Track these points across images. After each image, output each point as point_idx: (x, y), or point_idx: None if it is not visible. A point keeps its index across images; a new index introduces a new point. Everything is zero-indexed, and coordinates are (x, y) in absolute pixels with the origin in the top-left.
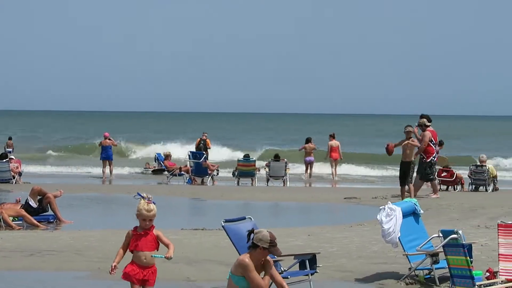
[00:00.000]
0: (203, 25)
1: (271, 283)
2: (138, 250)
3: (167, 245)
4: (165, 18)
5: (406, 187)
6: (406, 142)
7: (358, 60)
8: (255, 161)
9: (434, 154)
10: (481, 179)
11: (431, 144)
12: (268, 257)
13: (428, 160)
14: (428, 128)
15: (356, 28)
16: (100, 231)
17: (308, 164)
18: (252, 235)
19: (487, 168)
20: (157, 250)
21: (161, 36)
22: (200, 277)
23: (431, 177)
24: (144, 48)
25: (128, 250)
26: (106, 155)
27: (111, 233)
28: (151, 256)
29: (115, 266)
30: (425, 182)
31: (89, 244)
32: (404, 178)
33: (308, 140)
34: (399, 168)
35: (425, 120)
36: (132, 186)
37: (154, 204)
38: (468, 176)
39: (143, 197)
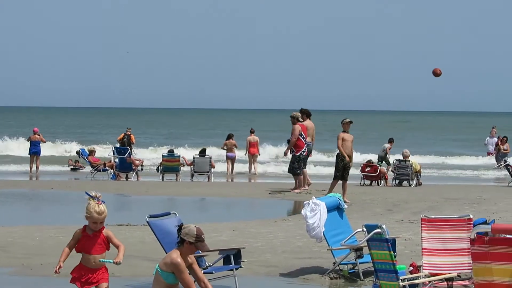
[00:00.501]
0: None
1: (194, 280)
2: (87, 253)
3: (117, 247)
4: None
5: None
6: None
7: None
8: (179, 156)
9: (304, 148)
10: (405, 174)
11: (301, 138)
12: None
13: (297, 154)
14: (300, 122)
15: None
16: (24, 227)
17: (230, 160)
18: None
19: (411, 163)
20: (108, 250)
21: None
22: (125, 273)
23: (298, 171)
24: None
25: (75, 250)
26: (35, 150)
27: (35, 229)
28: (99, 260)
29: (60, 265)
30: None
31: (12, 240)
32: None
33: (229, 136)
34: (338, 161)
35: (298, 114)
36: (56, 182)
37: (104, 203)
38: (391, 171)
39: (92, 197)
